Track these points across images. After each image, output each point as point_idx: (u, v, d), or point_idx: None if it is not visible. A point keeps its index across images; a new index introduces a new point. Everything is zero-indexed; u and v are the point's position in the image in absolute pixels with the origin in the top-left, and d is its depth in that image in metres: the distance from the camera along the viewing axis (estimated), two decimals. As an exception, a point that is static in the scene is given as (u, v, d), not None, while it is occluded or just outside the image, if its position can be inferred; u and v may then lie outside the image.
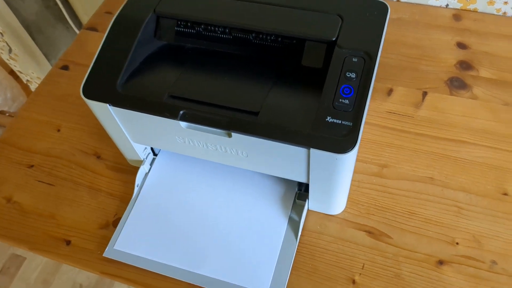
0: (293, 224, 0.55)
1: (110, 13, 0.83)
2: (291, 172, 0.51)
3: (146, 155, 0.61)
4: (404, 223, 0.55)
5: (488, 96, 0.64)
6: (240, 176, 0.59)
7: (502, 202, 0.55)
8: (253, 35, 0.52)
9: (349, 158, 0.44)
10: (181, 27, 0.54)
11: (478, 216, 0.54)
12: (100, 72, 0.51)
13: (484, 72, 0.66)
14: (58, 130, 0.68)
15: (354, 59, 0.47)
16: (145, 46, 0.54)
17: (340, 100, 0.45)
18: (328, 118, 0.45)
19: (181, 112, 0.48)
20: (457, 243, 0.53)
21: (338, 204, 0.55)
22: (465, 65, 0.67)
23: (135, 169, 0.61)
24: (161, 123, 0.50)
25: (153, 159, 0.63)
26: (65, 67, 0.76)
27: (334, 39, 0.48)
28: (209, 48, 0.55)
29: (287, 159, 0.48)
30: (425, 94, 0.65)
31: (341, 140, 0.44)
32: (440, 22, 0.73)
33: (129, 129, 0.55)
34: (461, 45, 0.70)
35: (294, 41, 0.51)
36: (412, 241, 0.53)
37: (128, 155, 0.62)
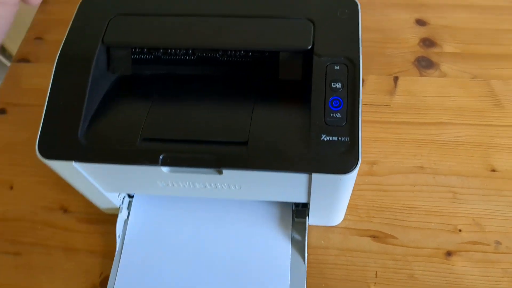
0: (297, 245, 0.52)
1: (40, 38, 0.74)
2: (289, 196, 0.48)
3: (121, 200, 0.55)
4: (405, 219, 0.54)
5: (456, 71, 0.64)
6: (229, 203, 0.55)
7: (492, 179, 0.55)
8: (220, 53, 0.47)
9: (353, 176, 0.42)
10: (137, 55, 0.48)
11: (474, 198, 0.54)
12: (55, 123, 0.44)
13: (447, 47, 0.66)
14: (11, 188, 0.60)
15: (336, 67, 0.44)
16: (100, 83, 0.47)
17: (331, 114, 0.42)
18: (323, 136, 0.41)
19: (161, 157, 0.42)
20: (460, 230, 0.53)
21: (339, 215, 0.53)
22: (428, 42, 0.66)
23: (113, 217, 0.55)
24: (138, 170, 0.44)
25: (130, 202, 0.57)
26: (2, 111, 0.66)
27: (310, 47, 0.44)
28: (174, 72, 0.49)
29: (285, 186, 0.45)
30: (396, 79, 0.63)
31: (342, 159, 0.41)
32: (395, 0, 0.71)
33: (101, 181, 0.49)
34: (420, 22, 0.69)
35: (267, 54, 0.46)
36: (417, 237, 0.52)
37: (101, 205, 0.55)
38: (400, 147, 0.58)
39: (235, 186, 0.46)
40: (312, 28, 0.45)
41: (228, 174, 0.43)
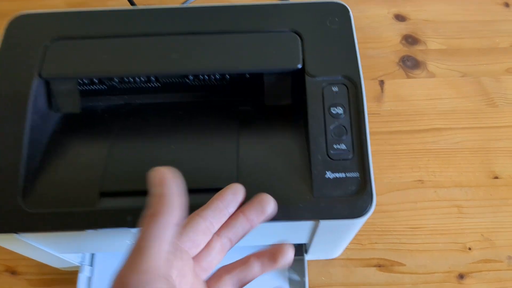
0: (296, 286, 0.45)
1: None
2: (288, 239, 0.41)
3: (81, 257, 0.46)
4: (410, 242, 0.49)
5: (444, 70, 0.59)
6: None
7: (495, 188, 0.51)
8: (190, 78, 0.39)
9: (366, 217, 0.35)
10: (85, 87, 0.39)
11: (480, 211, 0.50)
12: (-10, 186, 0.35)
13: (432, 44, 0.61)
14: None
15: (334, 88, 0.37)
16: (42, 128, 0.37)
17: (335, 146, 0.35)
18: (328, 173, 0.35)
19: (129, 218, 0.34)
20: (469, 249, 0.48)
21: (341, 248, 0.46)
22: (410, 40, 0.61)
23: (73, 276, 0.46)
24: (101, 233, 0.36)
25: (92, 256, 0.48)
26: None
27: (299, 66, 0.37)
28: (135, 102, 0.40)
29: (285, 233, 0.38)
30: (382, 83, 0.58)
31: (353, 200, 0.34)
32: (370, -6, 0.65)
33: (54, 247, 0.39)
34: (399, 17, 0.63)
35: (248, 76, 0.39)
36: (425, 261, 0.47)
37: (56, 264, 0.46)
38: (396, 160, 0.53)
39: (224, 237, 0.38)
40: (299, 42, 0.38)
41: (217, 228, 0.35)
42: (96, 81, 0.39)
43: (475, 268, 0.47)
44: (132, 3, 0.58)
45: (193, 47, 0.38)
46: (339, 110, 0.36)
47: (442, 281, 0.46)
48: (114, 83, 0.39)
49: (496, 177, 0.52)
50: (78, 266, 0.46)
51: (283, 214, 0.34)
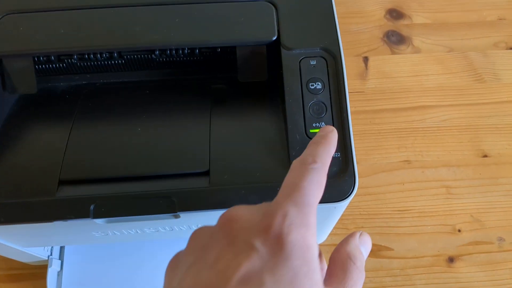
0: (278, 275, 0.43)
1: None
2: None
3: (49, 250, 0.43)
4: (398, 225, 0.46)
5: (430, 45, 0.56)
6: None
7: (485, 167, 0.49)
8: (156, 53, 0.36)
9: (348, 200, 0.33)
10: (42, 65, 0.36)
11: (469, 191, 0.48)
12: None
13: (417, 18, 0.58)
14: None
15: (312, 62, 0.34)
16: (-7, 112, 0.34)
17: (314, 124, 0.33)
18: (307, 154, 0.32)
19: (92, 207, 0.31)
20: (459, 231, 0.46)
21: (325, 233, 0.44)
22: (395, 14, 0.58)
23: (42, 270, 0.43)
24: (64, 224, 0.33)
25: (61, 249, 0.45)
26: None
27: (274, 38, 0.34)
28: (98, 82, 0.37)
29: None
30: (366, 60, 0.55)
31: (334, 182, 0.32)
32: (351, -34, 0.62)
33: (16, 241, 0.36)
34: (383, -9, 0.60)
35: (219, 50, 0.36)
36: (414, 244, 0.45)
37: (23, 259, 0.43)
38: (381, 140, 0.50)
39: (197, 225, 0.35)
40: (274, 12, 0.35)
41: (188, 216, 0.32)
42: (53, 58, 0.35)
43: (465, 250, 0.45)
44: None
45: (159, 19, 0.35)
46: (318, 85, 0.33)
47: (431, 265, 0.45)
48: (73, 60, 0.36)
49: (485, 156, 0.50)
50: (46, 261, 0.43)
51: (259, 197, 0.31)
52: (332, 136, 0.27)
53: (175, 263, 0.24)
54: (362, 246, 0.26)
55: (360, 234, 0.26)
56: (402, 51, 0.56)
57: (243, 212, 0.24)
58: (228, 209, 0.24)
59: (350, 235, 0.26)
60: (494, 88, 0.53)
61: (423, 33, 0.57)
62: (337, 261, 0.25)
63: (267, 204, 0.24)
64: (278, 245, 0.21)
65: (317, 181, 0.24)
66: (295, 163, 0.25)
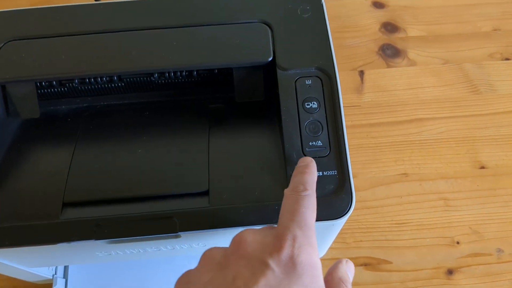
0: (279, 290, 0.43)
1: None
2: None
3: (54, 269, 0.44)
4: (396, 238, 0.47)
5: (425, 58, 0.57)
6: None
7: (482, 178, 0.50)
8: (155, 76, 0.37)
9: (346, 217, 0.33)
10: (44, 90, 0.36)
11: (467, 203, 0.48)
12: None
13: (412, 31, 0.59)
14: None
15: (308, 82, 0.35)
16: (-1, 136, 0.35)
17: (310, 143, 0.33)
18: (304, 173, 0.33)
19: (95, 229, 0.32)
20: (457, 243, 0.47)
21: (324, 249, 0.45)
22: (390, 27, 0.59)
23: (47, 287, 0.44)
24: (68, 246, 0.33)
25: (66, 268, 0.45)
26: None
27: (270, 59, 0.35)
28: (99, 104, 0.38)
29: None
30: (362, 73, 0.56)
31: (331, 199, 0.32)
32: (346, -19, 0.63)
33: (20, 262, 0.37)
34: (377, 4, 0.61)
35: (216, 71, 0.36)
36: (412, 257, 0.46)
37: (28, 278, 0.44)
38: (378, 153, 0.51)
39: (198, 244, 0.36)
40: (269, 33, 0.36)
41: (189, 236, 0.33)
42: (55, 83, 0.36)
43: (464, 262, 0.46)
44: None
45: (157, 43, 0.36)
46: (314, 105, 0.34)
47: (430, 278, 0.45)
48: (75, 84, 0.36)
49: (482, 167, 0.50)
50: (51, 279, 0.44)
51: (259, 217, 0.32)
52: (313, 165, 0.30)
53: (186, 280, 0.27)
54: (349, 271, 0.30)
55: (346, 261, 0.30)
56: (398, 64, 0.56)
57: (254, 235, 0.26)
58: (239, 232, 0.27)
59: (339, 262, 0.30)
60: (490, 99, 0.54)
61: (418, 45, 0.58)
62: (331, 283, 0.28)
63: (273, 227, 0.27)
64: (291, 265, 0.24)
65: (311, 205, 0.27)
66: (287, 192, 0.28)
